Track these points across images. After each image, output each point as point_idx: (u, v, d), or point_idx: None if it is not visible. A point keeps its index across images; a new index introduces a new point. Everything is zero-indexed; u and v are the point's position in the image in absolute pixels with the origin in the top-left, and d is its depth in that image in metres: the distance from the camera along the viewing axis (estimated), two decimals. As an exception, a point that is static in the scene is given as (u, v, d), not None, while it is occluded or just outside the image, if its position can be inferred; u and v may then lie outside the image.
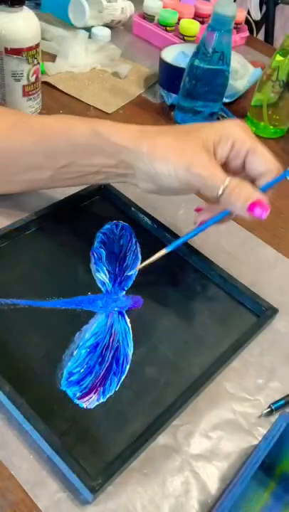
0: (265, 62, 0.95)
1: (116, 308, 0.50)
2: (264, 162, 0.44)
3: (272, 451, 0.38)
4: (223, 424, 0.45)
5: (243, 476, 0.36)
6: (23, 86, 0.68)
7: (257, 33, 1.34)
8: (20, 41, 0.64)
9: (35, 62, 0.67)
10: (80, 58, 0.86)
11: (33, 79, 0.68)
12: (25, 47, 0.64)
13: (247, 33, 1.07)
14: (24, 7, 0.64)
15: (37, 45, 0.66)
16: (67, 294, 0.51)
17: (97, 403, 0.43)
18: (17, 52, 0.64)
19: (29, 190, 0.55)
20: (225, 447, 0.43)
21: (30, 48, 0.65)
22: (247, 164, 0.44)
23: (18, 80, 0.67)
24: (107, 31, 0.93)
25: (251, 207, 0.41)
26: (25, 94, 0.69)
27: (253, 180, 0.45)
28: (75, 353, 0.46)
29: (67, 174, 0.50)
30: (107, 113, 0.79)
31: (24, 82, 0.68)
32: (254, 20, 1.18)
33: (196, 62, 0.72)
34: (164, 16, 0.97)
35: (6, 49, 0.64)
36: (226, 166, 0.45)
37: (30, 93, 0.69)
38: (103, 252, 0.55)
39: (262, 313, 0.52)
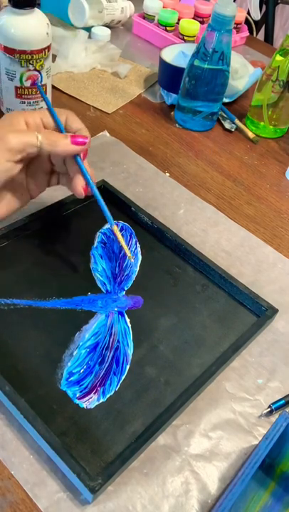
0: (265, 62, 0.95)
1: (116, 308, 0.50)
2: (79, 121, 0.53)
3: (272, 451, 0.38)
4: (223, 424, 0.45)
5: (243, 476, 0.36)
6: (16, 87, 0.68)
7: (257, 33, 1.34)
8: (11, 41, 0.64)
9: (31, 68, 0.66)
10: (80, 58, 0.86)
11: (27, 84, 0.68)
12: (17, 49, 0.64)
13: (247, 33, 1.07)
14: (33, 13, 0.64)
15: (32, 52, 0.65)
16: (67, 293, 0.51)
17: (97, 403, 0.43)
18: (9, 51, 0.64)
19: None
20: (225, 447, 0.43)
21: (22, 52, 0.64)
22: (68, 126, 0.53)
23: (11, 80, 0.67)
24: (107, 31, 0.93)
25: (73, 140, 0.50)
26: (18, 96, 0.69)
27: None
28: (75, 353, 0.46)
29: None
30: (106, 113, 0.79)
31: (17, 83, 0.67)
32: (254, 20, 1.18)
33: (196, 62, 0.72)
34: (163, 16, 0.97)
35: (1, 45, 0.64)
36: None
37: (23, 97, 0.69)
38: (103, 251, 0.55)
39: (262, 313, 0.52)
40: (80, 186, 0.51)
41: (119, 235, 0.51)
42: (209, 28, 0.69)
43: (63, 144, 0.49)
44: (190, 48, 0.81)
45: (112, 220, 0.51)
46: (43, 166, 0.53)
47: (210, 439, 0.44)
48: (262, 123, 0.80)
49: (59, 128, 0.52)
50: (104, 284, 0.52)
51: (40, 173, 0.53)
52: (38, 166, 0.52)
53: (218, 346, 0.49)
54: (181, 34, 0.95)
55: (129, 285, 0.53)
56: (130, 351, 0.47)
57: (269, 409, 0.46)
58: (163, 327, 0.50)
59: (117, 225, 0.58)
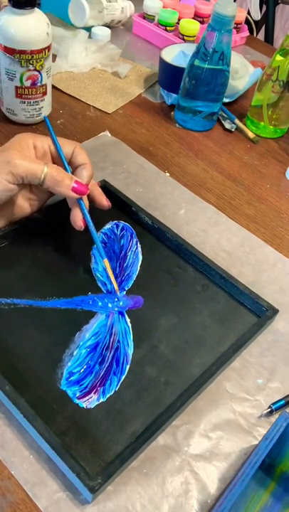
0: (265, 62, 0.95)
1: (116, 308, 0.50)
2: (85, 156, 0.55)
3: (272, 451, 0.38)
4: (223, 425, 0.45)
5: (243, 476, 0.36)
6: (16, 87, 0.68)
7: (257, 33, 1.34)
8: (11, 41, 0.64)
9: (31, 68, 0.66)
10: (80, 58, 0.86)
11: (27, 84, 0.68)
12: (17, 48, 0.64)
13: (247, 33, 1.07)
14: (34, 13, 0.64)
15: (32, 52, 0.65)
16: (68, 293, 0.51)
17: (97, 403, 0.43)
18: (9, 51, 0.65)
19: None
20: (225, 447, 0.43)
21: (22, 52, 0.64)
22: (73, 158, 0.54)
23: (11, 80, 0.67)
24: (107, 31, 0.93)
25: (74, 187, 0.51)
26: (18, 96, 0.69)
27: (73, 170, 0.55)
28: (75, 352, 0.46)
29: None
30: (107, 113, 0.79)
31: (17, 83, 0.67)
32: (254, 20, 1.18)
33: (196, 62, 0.72)
34: (164, 15, 0.97)
35: (1, 45, 0.65)
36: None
37: (23, 97, 0.69)
38: (104, 251, 0.55)
39: (262, 313, 0.52)
40: (79, 220, 0.52)
41: (109, 268, 0.52)
42: (209, 28, 0.69)
43: (65, 186, 0.51)
44: (190, 48, 0.81)
45: (104, 255, 0.52)
46: None
47: (210, 440, 0.44)
48: (262, 123, 0.80)
49: (62, 163, 0.53)
50: (105, 284, 0.52)
51: (41, 190, 0.54)
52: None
53: (218, 346, 0.49)
54: (181, 34, 0.95)
55: (130, 285, 0.53)
56: (130, 351, 0.47)
57: (269, 409, 0.46)
58: (163, 327, 0.50)
59: (117, 224, 0.58)
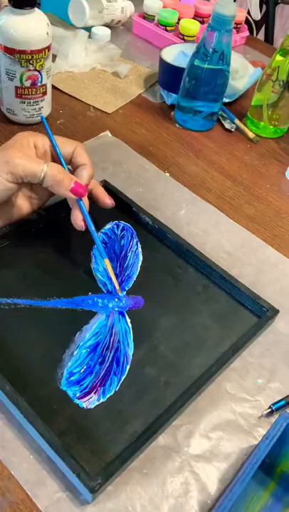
0: (265, 62, 0.95)
1: (116, 309, 0.50)
2: (86, 157, 0.55)
3: (272, 451, 0.38)
4: (223, 425, 0.45)
5: (243, 476, 0.36)
6: (16, 87, 0.68)
7: (257, 33, 1.34)
8: (11, 41, 0.64)
9: (31, 68, 0.66)
10: (80, 58, 0.86)
11: (27, 84, 0.68)
12: (17, 48, 0.64)
13: (247, 33, 1.07)
14: (34, 13, 0.64)
15: (32, 52, 0.65)
16: (68, 293, 0.51)
17: (97, 403, 0.43)
18: (9, 51, 0.65)
19: None
20: (225, 448, 0.43)
21: (22, 52, 0.64)
22: (73, 158, 0.54)
23: (11, 80, 0.67)
24: (107, 31, 0.93)
25: (73, 188, 0.51)
26: (18, 96, 0.69)
27: (73, 170, 0.55)
28: (75, 353, 0.46)
29: None
30: (107, 113, 0.79)
31: (17, 83, 0.68)
32: (254, 20, 1.18)
33: (196, 62, 0.72)
34: (163, 15, 0.97)
35: (1, 45, 0.65)
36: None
37: (23, 97, 0.69)
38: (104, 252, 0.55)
39: (262, 313, 0.52)
40: (79, 220, 0.52)
41: (110, 269, 0.52)
42: (209, 28, 0.69)
43: (64, 186, 0.51)
44: (190, 48, 0.81)
45: (105, 255, 0.52)
46: None
47: (210, 440, 0.44)
48: (262, 123, 0.80)
49: (61, 164, 0.53)
50: (105, 284, 0.52)
51: (42, 188, 0.54)
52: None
53: (218, 347, 0.49)
54: (181, 34, 0.95)
55: (130, 285, 0.53)
56: (130, 351, 0.47)
57: (269, 409, 0.46)
58: (163, 327, 0.50)
59: (118, 225, 0.58)
